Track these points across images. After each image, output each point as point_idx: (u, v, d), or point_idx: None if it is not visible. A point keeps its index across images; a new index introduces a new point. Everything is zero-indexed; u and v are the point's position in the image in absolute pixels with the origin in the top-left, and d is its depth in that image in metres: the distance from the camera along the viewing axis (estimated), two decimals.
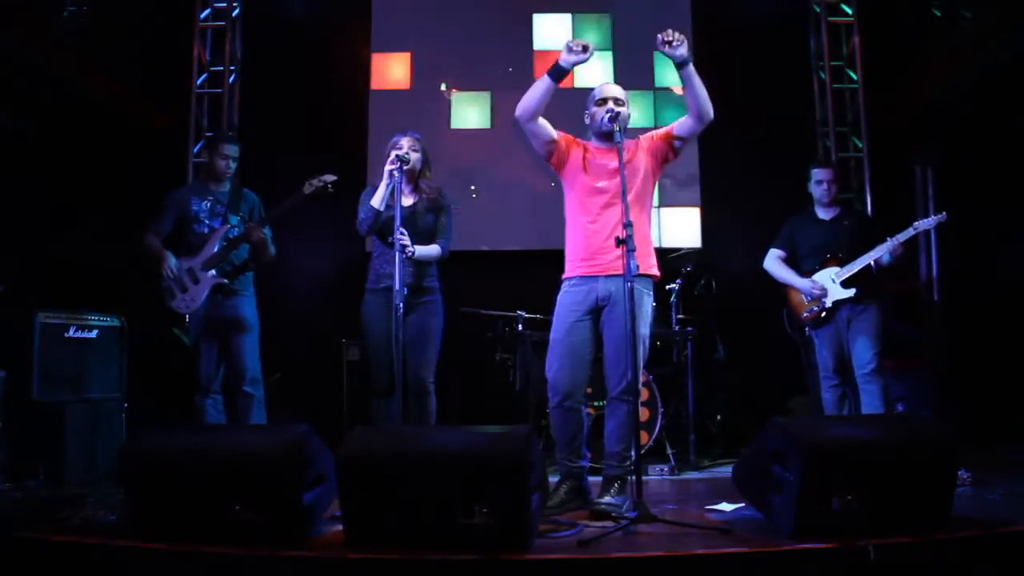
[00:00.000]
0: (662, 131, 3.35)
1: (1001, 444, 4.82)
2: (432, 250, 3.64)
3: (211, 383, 3.97)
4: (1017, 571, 2.42)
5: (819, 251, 4.12)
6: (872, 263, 4.00)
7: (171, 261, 3.97)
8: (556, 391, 3.24)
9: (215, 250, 3.98)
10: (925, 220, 3.91)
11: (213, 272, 3.96)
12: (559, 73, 3.16)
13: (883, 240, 3.95)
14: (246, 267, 4.10)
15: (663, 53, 3.09)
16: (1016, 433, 4.88)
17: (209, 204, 4.08)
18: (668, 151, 3.33)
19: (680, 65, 3.11)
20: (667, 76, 6.00)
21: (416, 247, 3.49)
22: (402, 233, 3.34)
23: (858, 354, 3.95)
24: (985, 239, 4.13)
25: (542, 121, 3.29)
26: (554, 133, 3.33)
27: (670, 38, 3.04)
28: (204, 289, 3.95)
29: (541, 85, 3.20)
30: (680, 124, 3.30)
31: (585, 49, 3.10)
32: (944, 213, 3.89)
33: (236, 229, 4.04)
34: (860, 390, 3.94)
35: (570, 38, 3.14)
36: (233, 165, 4.17)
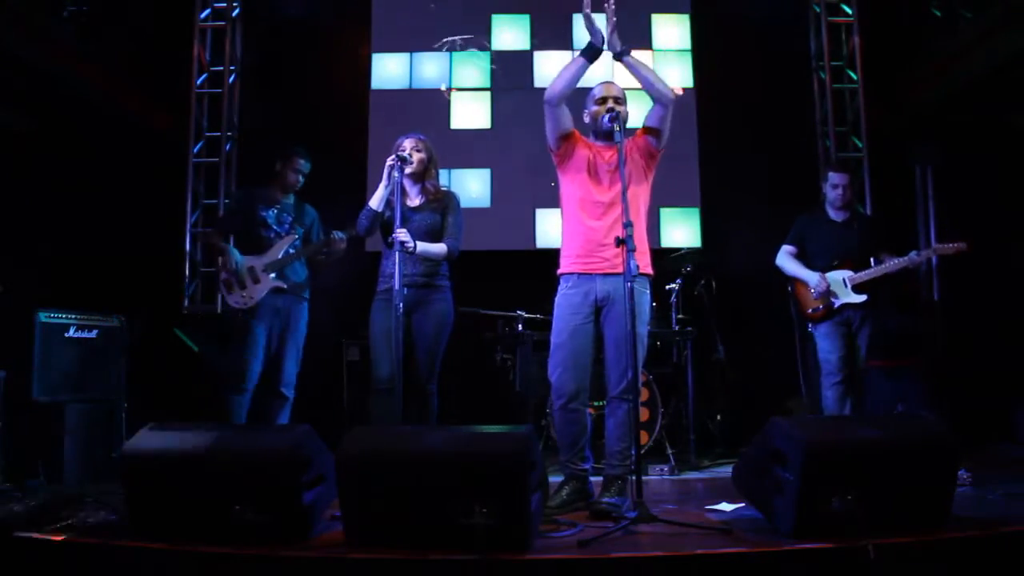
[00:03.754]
0: (640, 129, 3.36)
1: (1001, 444, 4.83)
2: (436, 248, 3.60)
3: (251, 382, 4.00)
4: (1017, 571, 2.42)
5: (829, 252, 4.17)
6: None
7: (236, 257, 4.05)
8: (560, 393, 3.24)
9: (279, 256, 4.08)
10: (947, 245, 3.99)
11: (274, 275, 4.06)
12: (592, 52, 3.17)
13: (897, 255, 4.05)
14: (306, 278, 4.23)
15: (608, 33, 3.12)
16: (1015, 433, 4.89)
17: (276, 212, 4.18)
18: (650, 147, 3.33)
19: (617, 56, 3.15)
20: (668, 77, 6.01)
21: (418, 243, 3.48)
22: (401, 230, 3.34)
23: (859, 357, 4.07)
24: (985, 239, 4.13)
25: (564, 109, 3.29)
26: (570, 126, 3.33)
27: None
28: (263, 290, 4.04)
29: (574, 66, 3.20)
30: (649, 117, 3.32)
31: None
32: (965, 244, 3.96)
33: (299, 241, 4.16)
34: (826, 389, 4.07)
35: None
36: (303, 180, 4.25)
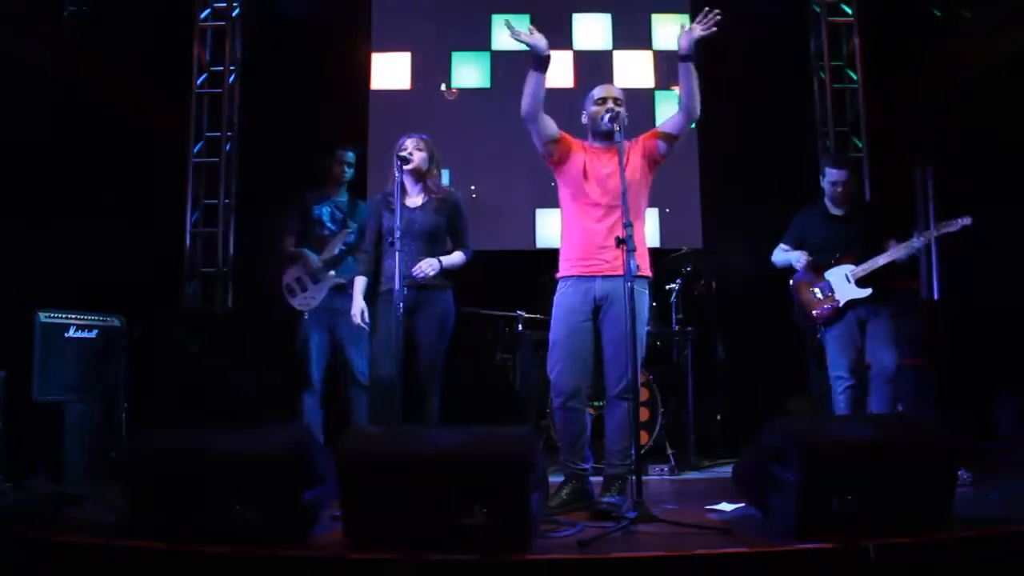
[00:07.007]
0: (652, 132, 3.36)
1: (1001, 444, 4.83)
2: (457, 258, 3.66)
3: (318, 381, 4.17)
4: (1017, 571, 2.42)
5: (829, 248, 4.03)
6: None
7: (313, 258, 4.23)
8: (559, 392, 3.24)
9: (335, 252, 4.20)
10: (949, 223, 3.81)
11: (333, 272, 4.18)
12: (540, 62, 3.18)
13: (901, 241, 3.90)
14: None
15: (689, 35, 3.15)
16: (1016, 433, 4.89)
17: (329, 210, 4.32)
18: (657, 151, 3.33)
19: (683, 59, 3.17)
20: (667, 77, 6.01)
21: (442, 259, 3.56)
22: (427, 264, 3.48)
23: (879, 357, 3.88)
24: (985, 239, 4.12)
25: (545, 119, 3.29)
26: (557, 132, 3.33)
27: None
28: (323, 289, 4.17)
29: (531, 80, 3.21)
30: (669, 122, 3.33)
31: (531, 32, 3.16)
32: (969, 217, 3.78)
33: (353, 235, 4.24)
34: (873, 392, 3.87)
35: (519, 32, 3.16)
36: (349, 171, 4.37)
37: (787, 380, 5.45)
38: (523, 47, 3.17)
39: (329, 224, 4.30)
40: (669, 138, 3.31)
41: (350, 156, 4.38)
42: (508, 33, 3.14)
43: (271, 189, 5.91)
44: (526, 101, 3.22)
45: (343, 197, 4.39)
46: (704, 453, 4.85)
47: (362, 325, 3.63)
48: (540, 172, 5.60)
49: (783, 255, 4.17)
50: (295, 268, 4.24)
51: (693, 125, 3.33)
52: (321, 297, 4.17)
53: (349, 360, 4.18)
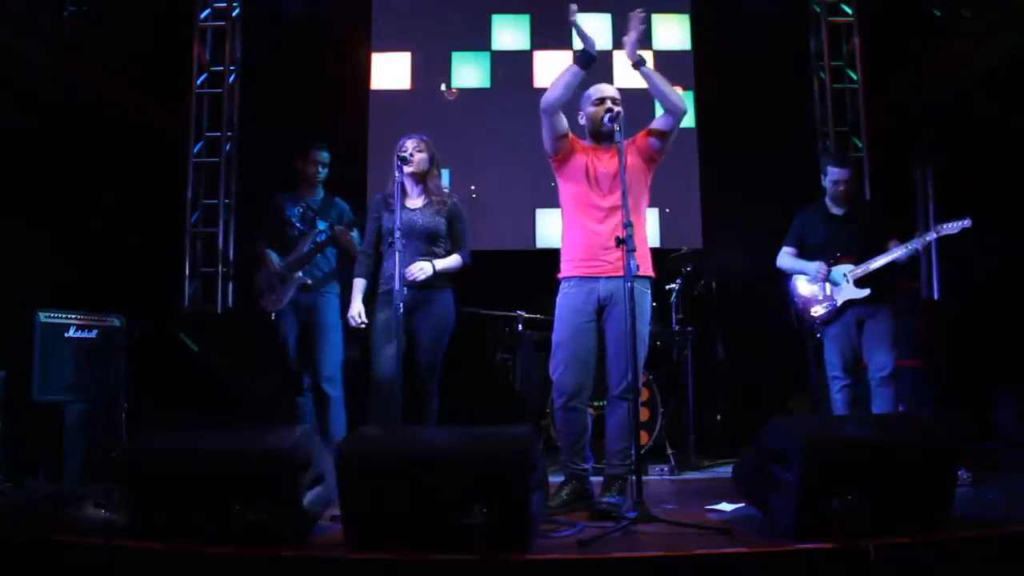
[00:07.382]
0: (644, 130, 3.37)
1: (1001, 444, 4.83)
2: (452, 262, 3.65)
3: (304, 381, 4.13)
4: (1017, 571, 2.42)
5: (829, 248, 4.00)
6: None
7: (275, 260, 4.20)
8: (561, 392, 3.24)
9: (303, 252, 4.16)
10: (950, 224, 3.78)
11: (299, 273, 4.13)
12: (588, 59, 3.20)
13: (902, 241, 3.87)
14: (334, 273, 4.25)
15: (629, 43, 3.20)
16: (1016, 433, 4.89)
17: (300, 210, 4.27)
18: (652, 150, 3.33)
19: (635, 66, 3.22)
20: (668, 77, 6.01)
21: (436, 262, 3.56)
22: (418, 268, 3.48)
23: (876, 358, 3.86)
24: (985, 239, 4.13)
25: (561, 114, 3.30)
26: (567, 128, 3.34)
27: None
28: (290, 290, 4.13)
29: (568, 74, 3.23)
30: (659, 120, 3.34)
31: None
32: (969, 219, 3.75)
33: (323, 234, 4.19)
34: (873, 393, 3.85)
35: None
36: (324, 171, 4.32)
37: (787, 380, 5.45)
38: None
39: (299, 224, 4.24)
40: (661, 135, 3.31)
41: (324, 155, 4.29)
42: (571, 16, 3.17)
43: (271, 189, 5.91)
44: (556, 94, 3.23)
45: (318, 196, 4.32)
46: (704, 453, 4.84)
47: (359, 325, 3.63)
48: (540, 172, 5.60)
49: (792, 262, 4.13)
50: (265, 270, 4.20)
51: (684, 122, 3.33)
52: (287, 298, 4.10)
53: (315, 363, 4.07)
